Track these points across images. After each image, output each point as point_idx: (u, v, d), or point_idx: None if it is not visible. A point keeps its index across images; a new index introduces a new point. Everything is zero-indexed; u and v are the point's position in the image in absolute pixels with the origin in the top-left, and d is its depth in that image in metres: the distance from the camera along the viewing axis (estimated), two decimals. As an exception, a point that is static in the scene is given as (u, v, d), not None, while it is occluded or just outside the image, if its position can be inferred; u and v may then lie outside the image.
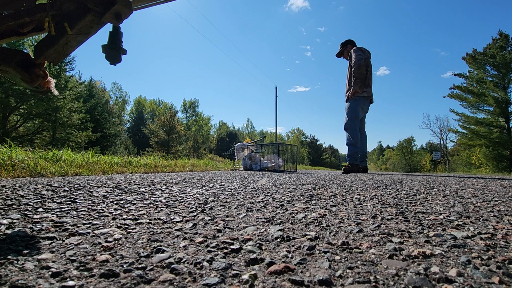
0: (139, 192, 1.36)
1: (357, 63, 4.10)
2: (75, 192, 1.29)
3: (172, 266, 0.45)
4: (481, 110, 17.91)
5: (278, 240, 0.61)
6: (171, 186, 1.67)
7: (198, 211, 0.92)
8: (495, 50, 16.72)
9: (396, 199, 1.23)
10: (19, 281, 0.39)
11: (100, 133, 18.99)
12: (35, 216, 0.79)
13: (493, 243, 0.59)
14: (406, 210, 0.97)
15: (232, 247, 0.55)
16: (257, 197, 1.28)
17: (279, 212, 0.91)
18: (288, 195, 1.34)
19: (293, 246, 0.57)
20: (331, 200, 1.20)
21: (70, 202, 1.03)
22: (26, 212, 0.83)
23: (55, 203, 1.00)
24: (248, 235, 0.64)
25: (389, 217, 0.84)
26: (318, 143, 53.76)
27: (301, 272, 0.44)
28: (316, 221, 0.79)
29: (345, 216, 0.86)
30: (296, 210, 0.96)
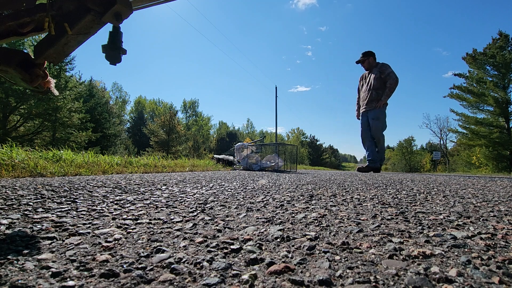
0: (139, 192, 1.36)
1: (397, 80, 4.69)
2: (75, 192, 1.29)
3: (172, 266, 0.45)
4: (481, 110, 17.92)
5: (278, 240, 0.61)
6: (171, 186, 1.67)
7: (198, 211, 0.92)
8: (495, 50, 16.72)
9: (396, 199, 1.23)
10: (19, 281, 0.39)
11: (100, 133, 18.99)
12: (35, 216, 0.79)
13: (493, 243, 0.59)
14: (406, 210, 0.97)
15: (232, 247, 0.55)
16: (257, 197, 1.28)
17: (279, 212, 0.91)
18: (288, 195, 1.34)
19: (293, 246, 0.57)
20: (331, 200, 1.20)
21: (70, 202, 1.03)
22: (26, 212, 0.83)
23: (55, 203, 1.00)
24: (248, 235, 0.64)
25: (389, 217, 0.84)
26: (318, 143, 53.76)
27: (301, 272, 0.44)
28: (316, 221, 0.79)
29: (345, 216, 0.86)
30: (296, 210, 0.96)
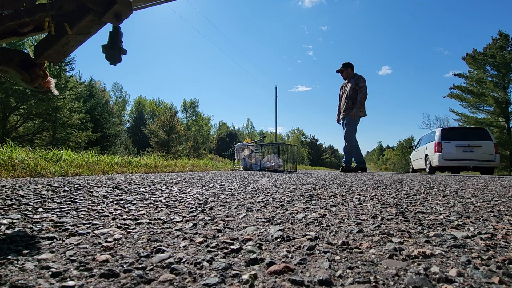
0: (139, 192, 1.36)
1: (366, 96, 5.09)
2: (75, 192, 1.29)
3: (172, 266, 0.45)
4: (481, 110, 17.94)
5: (278, 240, 0.61)
6: (171, 186, 1.67)
7: (198, 211, 0.92)
8: (495, 50, 16.73)
9: (396, 199, 1.23)
10: (19, 281, 0.39)
11: (100, 133, 18.99)
12: (35, 216, 0.79)
13: (493, 243, 0.59)
14: (406, 210, 0.97)
15: (232, 247, 0.55)
16: (257, 197, 1.28)
17: (279, 212, 0.91)
18: (288, 195, 1.34)
19: (293, 246, 0.57)
20: (331, 200, 1.20)
21: (70, 202, 1.03)
22: (26, 212, 0.83)
23: (55, 203, 1.00)
24: (248, 235, 0.64)
25: (389, 217, 0.84)
26: (318, 143, 53.81)
27: (301, 272, 0.44)
28: (316, 221, 0.79)
29: (345, 216, 0.86)
30: (296, 210, 0.96)
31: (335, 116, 5.63)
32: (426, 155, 7.60)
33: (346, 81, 5.38)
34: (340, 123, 5.59)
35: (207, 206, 1.03)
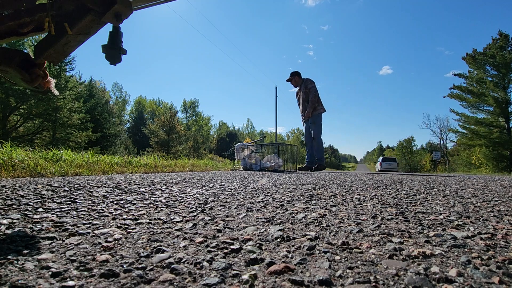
0: (139, 192, 1.36)
1: (316, 95, 5.41)
2: (75, 192, 1.29)
3: (172, 266, 0.45)
4: (481, 110, 17.94)
5: (278, 240, 0.61)
6: (171, 186, 1.67)
7: (198, 211, 0.92)
8: (495, 50, 16.72)
9: (396, 199, 1.23)
10: (19, 281, 0.39)
11: (100, 133, 18.99)
12: (35, 216, 0.79)
13: (493, 243, 0.59)
14: (406, 210, 0.97)
15: (232, 247, 0.55)
16: (257, 197, 1.28)
17: (279, 212, 0.91)
18: (288, 195, 1.34)
19: (293, 246, 0.57)
20: (331, 200, 1.20)
21: (70, 202, 1.03)
22: (26, 212, 0.83)
23: (55, 203, 1.00)
24: (248, 235, 0.64)
25: (389, 217, 0.84)
26: (318, 143, 53.71)
27: (301, 272, 0.44)
28: (316, 221, 0.79)
29: (345, 216, 0.86)
30: (296, 210, 0.96)
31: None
32: (378, 166, 24.58)
33: (298, 88, 5.70)
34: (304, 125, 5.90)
35: (207, 206, 1.03)
